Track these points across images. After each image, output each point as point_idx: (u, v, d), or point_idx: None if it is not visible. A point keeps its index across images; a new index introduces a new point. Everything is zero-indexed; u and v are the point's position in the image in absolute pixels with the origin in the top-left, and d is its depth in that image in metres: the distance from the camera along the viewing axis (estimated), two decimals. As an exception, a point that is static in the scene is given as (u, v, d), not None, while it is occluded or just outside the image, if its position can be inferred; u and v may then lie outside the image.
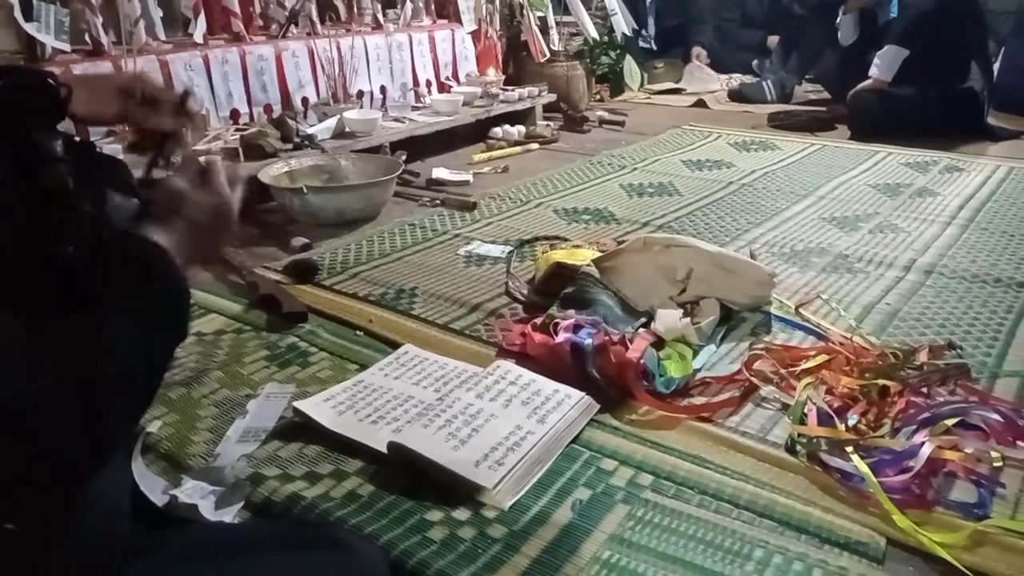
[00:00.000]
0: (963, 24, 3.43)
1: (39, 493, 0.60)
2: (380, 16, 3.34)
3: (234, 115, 2.72)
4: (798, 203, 2.47)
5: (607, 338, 1.35)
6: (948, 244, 2.09)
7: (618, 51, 4.36)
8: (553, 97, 3.71)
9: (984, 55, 3.54)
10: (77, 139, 0.77)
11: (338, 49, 3.02)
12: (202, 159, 0.86)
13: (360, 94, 3.14)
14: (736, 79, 4.85)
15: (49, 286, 0.66)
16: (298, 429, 1.24)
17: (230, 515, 1.04)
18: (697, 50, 5.07)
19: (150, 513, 0.97)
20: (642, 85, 4.64)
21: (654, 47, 5.25)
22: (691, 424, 1.26)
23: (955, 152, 3.10)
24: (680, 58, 5.07)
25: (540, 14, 3.87)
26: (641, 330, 1.46)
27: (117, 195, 0.78)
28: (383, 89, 3.26)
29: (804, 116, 3.77)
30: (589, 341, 1.35)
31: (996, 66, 3.83)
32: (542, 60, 3.79)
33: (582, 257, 1.69)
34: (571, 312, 1.47)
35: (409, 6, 3.46)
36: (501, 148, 3.19)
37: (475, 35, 3.71)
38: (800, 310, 1.65)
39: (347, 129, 2.77)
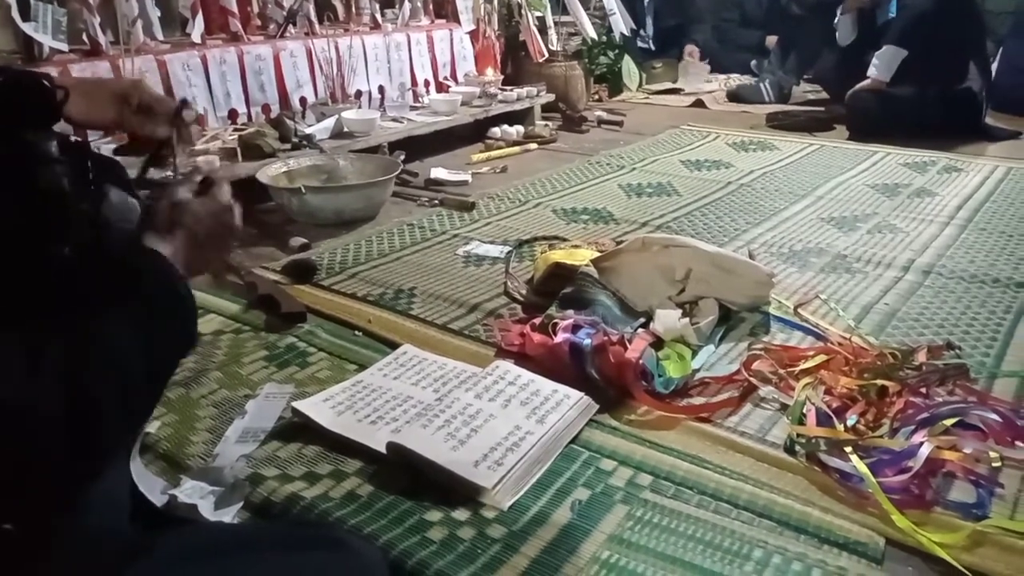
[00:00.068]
0: (961, 24, 3.43)
1: (39, 494, 0.60)
2: (378, 16, 3.34)
3: (232, 115, 2.72)
4: (796, 203, 2.47)
5: (606, 338, 1.36)
6: (946, 244, 2.09)
7: (616, 51, 4.37)
8: (551, 97, 3.72)
9: (982, 55, 3.54)
10: (73, 139, 0.77)
11: (336, 49, 3.02)
12: (202, 161, 0.86)
13: (358, 94, 3.14)
14: (734, 79, 4.86)
15: (47, 286, 0.66)
16: (297, 429, 1.24)
17: (229, 515, 1.04)
18: (690, 47, 5.06)
19: (149, 513, 0.97)
20: (640, 85, 4.64)
21: (652, 47, 5.26)
22: (690, 424, 1.26)
23: (953, 152, 3.11)
24: (677, 58, 5.08)
25: (538, 14, 3.87)
26: (640, 330, 1.46)
27: (114, 195, 0.78)
28: (381, 89, 3.26)
29: (802, 116, 3.77)
30: (588, 341, 1.35)
31: (994, 66, 3.84)
32: (540, 60, 3.79)
33: (581, 257, 1.69)
34: (570, 312, 1.47)
35: (407, 6, 3.46)
36: (499, 148, 3.19)
37: (473, 35, 3.71)
38: (799, 310, 1.65)
39: (345, 129, 2.77)
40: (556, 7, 4.03)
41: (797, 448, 1.18)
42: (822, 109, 3.95)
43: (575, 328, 1.39)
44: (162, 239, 0.77)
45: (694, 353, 1.43)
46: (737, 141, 3.38)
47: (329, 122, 2.75)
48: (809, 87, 4.65)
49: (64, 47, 2.33)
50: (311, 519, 1.03)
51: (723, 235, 2.16)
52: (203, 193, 0.84)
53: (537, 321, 1.49)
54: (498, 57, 3.84)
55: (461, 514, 1.05)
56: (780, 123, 3.68)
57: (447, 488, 1.09)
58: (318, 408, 1.26)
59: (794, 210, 2.40)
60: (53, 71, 2.04)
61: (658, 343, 1.42)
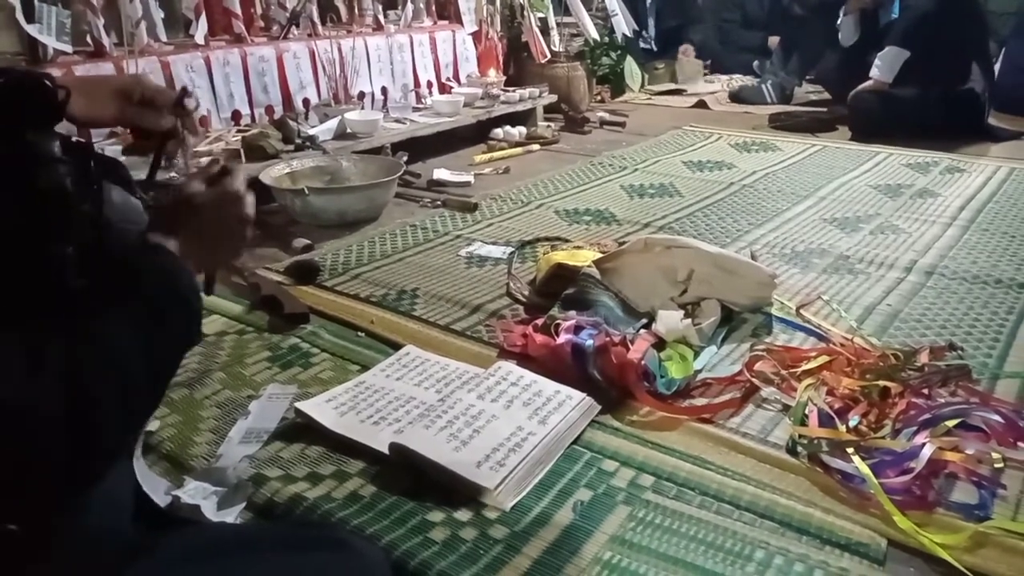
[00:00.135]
0: (964, 25, 3.43)
1: (39, 494, 0.60)
2: (381, 17, 3.34)
3: (235, 116, 2.72)
4: (799, 204, 2.47)
5: (608, 339, 1.36)
6: (949, 245, 2.09)
7: (619, 52, 4.36)
8: (554, 98, 3.72)
9: (985, 56, 3.54)
10: (76, 140, 0.77)
11: (339, 50, 3.03)
12: (219, 159, 0.85)
13: (361, 95, 3.15)
14: (737, 80, 4.86)
15: (47, 286, 0.66)
16: (300, 430, 1.24)
17: (232, 516, 1.05)
18: (684, 47, 5.05)
19: (152, 514, 0.97)
20: (643, 86, 4.64)
21: (654, 48, 5.26)
22: (692, 425, 1.26)
23: (956, 153, 3.10)
24: (675, 59, 5.08)
25: (541, 15, 3.87)
26: (642, 331, 1.46)
27: (116, 195, 0.78)
28: (384, 90, 3.26)
29: (805, 117, 3.77)
30: (590, 342, 1.35)
31: (997, 67, 3.83)
32: (543, 61, 3.79)
33: (583, 258, 1.69)
34: (572, 313, 1.47)
35: (410, 7, 3.46)
36: (502, 149, 3.19)
37: (476, 36, 3.71)
38: (801, 311, 1.65)
39: (348, 130, 2.77)
40: (558, 8, 4.03)
41: (799, 449, 1.18)
42: (824, 110, 3.94)
43: (577, 329, 1.39)
44: (173, 233, 0.75)
45: (696, 354, 1.43)
46: (739, 142, 3.38)
47: (332, 123, 2.75)
48: (811, 88, 4.65)
49: (68, 49, 2.33)
50: (314, 520, 1.04)
51: (725, 236, 2.16)
52: (216, 183, 0.82)
53: (539, 322, 1.49)
54: (500, 58, 3.84)
55: (463, 515, 1.05)
56: (782, 124, 3.68)
57: (449, 489, 1.09)
58: (321, 409, 1.27)
59: (796, 211, 2.40)
60: (57, 73, 2.04)
61: (660, 344, 1.42)
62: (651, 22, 5.32)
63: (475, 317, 1.66)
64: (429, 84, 3.46)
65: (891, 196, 2.55)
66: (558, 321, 1.44)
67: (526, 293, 1.77)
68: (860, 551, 0.99)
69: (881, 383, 1.31)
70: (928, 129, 3.27)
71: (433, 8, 3.65)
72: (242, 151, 2.39)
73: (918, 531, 1.01)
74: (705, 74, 5.18)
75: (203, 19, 2.69)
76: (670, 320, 1.46)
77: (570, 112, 3.73)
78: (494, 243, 2.10)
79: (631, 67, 4.49)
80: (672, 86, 4.78)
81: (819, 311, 1.67)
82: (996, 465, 1.14)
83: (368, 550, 0.86)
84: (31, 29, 2.24)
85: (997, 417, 1.23)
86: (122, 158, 1.75)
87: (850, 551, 0.99)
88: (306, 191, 2.18)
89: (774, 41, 4.85)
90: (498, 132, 3.30)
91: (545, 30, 3.89)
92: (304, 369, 1.45)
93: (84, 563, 0.69)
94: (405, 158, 2.68)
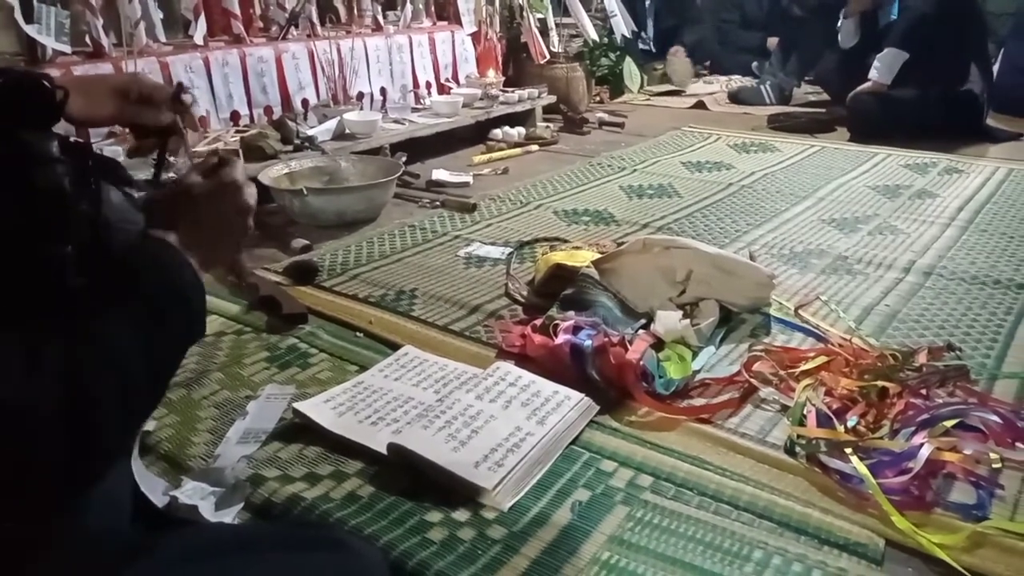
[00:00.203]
0: (962, 26, 3.43)
1: (39, 494, 0.60)
2: (380, 18, 3.34)
3: (234, 117, 2.72)
4: (797, 205, 2.47)
5: (607, 339, 1.36)
6: (947, 246, 2.09)
7: (618, 53, 4.37)
8: (553, 99, 3.72)
9: (983, 57, 3.54)
10: (74, 140, 0.77)
11: (338, 51, 3.03)
12: (219, 149, 0.85)
13: (360, 96, 3.15)
14: (735, 81, 4.86)
15: (47, 286, 0.66)
16: (298, 430, 1.24)
17: (230, 516, 1.05)
18: (675, 48, 5.02)
19: (150, 514, 0.97)
20: (642, 87, 4.64)
21: (653, 49, 5.25)
22: (690, 425, 1.26)
23: (954, 154, 3.11)
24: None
25: (540, 16, 3.88)
26: (641, 332, 1.46)
27: (115, 195, 0.78)
28: (383, 91, 3.26)
29: (803, 118, 3.77)
30: (589, 343, 1.35)
31: (995, 68, 3.83)
32: (542, 62, 3.79)
33: (582, 259, 1.69)
34: (571, 313, 1.47)
35: (409, 8, 3.46)
36: (501, 150, 3.19)
37: (475, 37, 3.71)
38: (799, 312, 1.65)
39: (347, 131, 2.77)
40: (557, 9, 4.04)
41: (797, 449, 1.18)
42: (823, 110, 3.95)
43: (576, 329, 1.39)
44: (173, 228, 0.75)
45: (695, 354, 1.43)
46: (738, 143, 3.38)
47: (331, 124, 2.75)
48: (810, 88, 4.65)
49: (67, 49, 2.33)
50: (312, 520, 1.04)
51: (724, 236, 2.16)
52: (214, 174, 0.81)
53: (538, 322, 1.49)
54: (499, 59, 3.84)
55: (461, 515, 1.05)
56: (781, 125, 3.68)
57: (448, 489, 1.09)
58: (319, 409, 1.27)
59: (795, 211, 2.40)
60: (55, 73, 2.04)
61: (659, 344, 1.42)
62: (650, 23, 5.32)
63: (474, 317, 1.66)
64: (428, 85, 3.47)
65: (890, 197, 2.55)
66: (557, 321, 1.44)
67: (525, 293, 1.77)
68: (858, 551, 0.99)
69: (879, 383, 1.31)
70: (927, 130, 3.27)
71: (432, 9, 3.65)
72: (241, 151, 2.39)
73: (916, 531, 1.01)
74: (704, 75, 5.18)
75: (202, 19, 2.69)
76: (669, 320, 1.46)
77: (569, 113, 3.73)
78: (493, 243, 2.10)
79: (630, 68, 4.50)
80: (670, 86, 4.78)
81: (817, 311, 1.67)
82: (994, 465, 1.14)
83: (366, 550, 0.86)
84: (30, 29, 2.24)
85: (995, 417, 1.23)
86: (122, 159, 1.75)
87: (848, 551, 0.99)
88: (305, 191, 2.18)
89: (773, 42, 4.86)
90: (497, 133, 3.30)
91: (544, 31, 3.89)
92: (302, 369, 1.45)
93: (83, 563, 0.68)
94: (404, 159, 2.69)
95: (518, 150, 3.22)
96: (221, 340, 1.56)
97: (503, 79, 3.73)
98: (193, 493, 1.07)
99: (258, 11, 3.04)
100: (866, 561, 0.98)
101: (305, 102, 2.94)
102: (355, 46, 3.10)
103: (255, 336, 1.58)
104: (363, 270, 1.93)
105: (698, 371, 1.40)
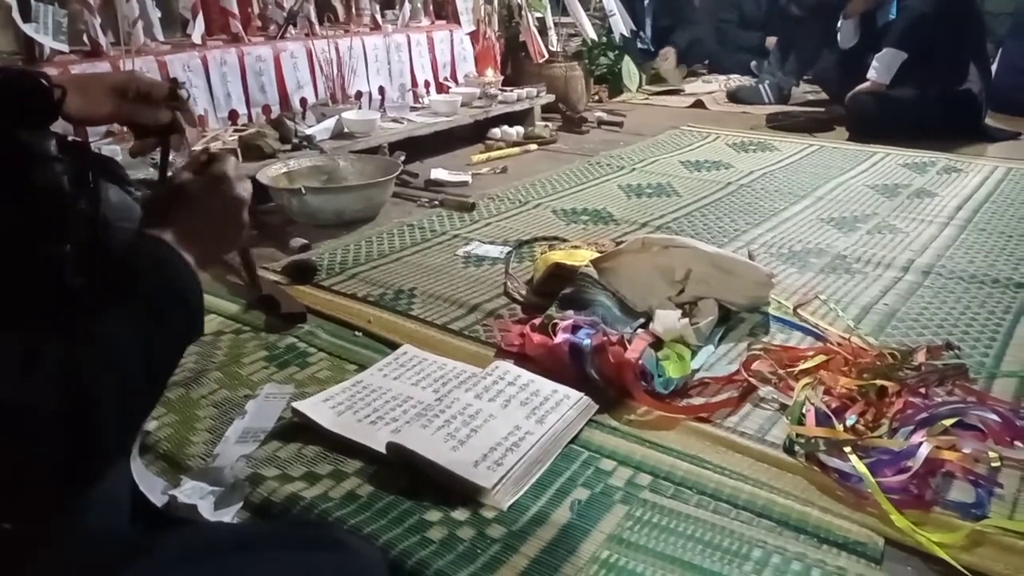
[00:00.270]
0: (961, 26, 3.43)
1: (39, 494, 0.60)
2: (378, 17, 3.34)
3: (232, 116, 2.72)
4: (796, 204, 2.47)
5: (605, 339, 1.36)
6: (946, 245, 2.09)
7: (616, 52, 4.37)
8: (551, 98, 3.72)
9: (982, 57, 3.54)
10: (72, 139, 0.76)
11: (336, 50, 3.03)
12: (212, 146, 0.85)
13: (358, 95, 3.14)
14: (734, 80, 4.86)
15: (46, 286, 0.66)
16: (297, 430, 1.24)
17: (229, 515, 1.05)
18: (666, 49, 5.00)
19: (149, 513, 0.97)
20: (640, 86, 4.64)
21: (651, 48, 5.25)
22: (689, 424, 1.26)
23: (953, 153, 3.11)
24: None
25: (538, 15, 3.87)
26: (639, 331, 1.46)
27: (113, 194, 0.78)
28: (381, 90, 3.26)
29: (802, 117, 3.77)
30: (588, 342, 1.35)
31: (994, 67, 3.84)
32: (540, 61, 3.79)
33: (581, 258, 1.69)
34: (570, 313, 1.47)
35: (407, 7, 3.46)
36: (500, 149, 3.19)
37: (473, 36, 3.71)
38: (798, 311, 1.65)
39: (346, 130, 2.77)
40: (556, 8, 4.03)
41: (796, 448, 1.18)
42: (822, 110, 3.95)
43: (575, 328, 1.39)
44: (169, 225, 0.74)
45: (693, 353, 1.43)
46: (737, 142, 3.38)
47: (329, 123, 2.75)
48: (809, 88, 4.65)
49: (65, 48, 2.33)
50: (311, 519, 1.04)
51: (723, 236, 2.16)
52: (207, 168, 0.80)
53: (537, 321, 1.49)
54: (498, 58, 3.84)
55: (461, 514, 1.05)
56: (780, 124, 3.68)
57: (447, 488, 1.09)
58: (318, 408, 1.26)
59: (794, 211, 2.40)
60: (53, 72, 2.04)
61: (658, 343, 1.42)
62: (648, 22, 5.31)
63: (472, 317, 1.66)
64: (427, 84, 3.46)
65: (888, 196, 2.55)
66: (555, 321, 1.44)
67: (523, 293, 1.77)
68: (857, 550, 0.99)
69: (878, 382, 1.31)
70: (925, 129, 3.27)
71: (431, 8, 3.65)
72: (239, 151, 2.39)
73: (915, 530, 1.01)
74: (703, 74, 5.18)
75: (200, 18, 2.69)
76: (668, 319, 1.46)
77: (568, 112, 3.73)
78: (491, 243, 2.10)
79: (629, 67, 4.49)
80: (669, 86, 4.78)
81: (816, 310, 1.67)
82: (993, 464, 1.14)
83: (365, 549, 0.86)
84: (27, 28, 2.23)
85: (994, 416, 1.23)
86: (122, 158, 1.75)
87: (847, 550, 0.99)
88: (303, 191, 2.18)
89: (771, 41, 4.86)
90: (496, 132, 3.30)
91: (543, 30, 3.89)
92: (301, 369, 1.45)
93: (83, 563, 0.68)
94: (403, 158, 2.68)
95: (517, 149, 3.22)
96: (220, 339, 1.56)
97: (502, 78, 3.73)
98: (192, 492, 1.07)
99: (256, 10, 3.04)
100: (865, 560, 0.98)
101: (303, 101, 2.94)
102: (353, 45, 3.10)
103: (254, 335, 1.58)
104: (362, 269, 1.93)
105: (697, 370, 1.40)
